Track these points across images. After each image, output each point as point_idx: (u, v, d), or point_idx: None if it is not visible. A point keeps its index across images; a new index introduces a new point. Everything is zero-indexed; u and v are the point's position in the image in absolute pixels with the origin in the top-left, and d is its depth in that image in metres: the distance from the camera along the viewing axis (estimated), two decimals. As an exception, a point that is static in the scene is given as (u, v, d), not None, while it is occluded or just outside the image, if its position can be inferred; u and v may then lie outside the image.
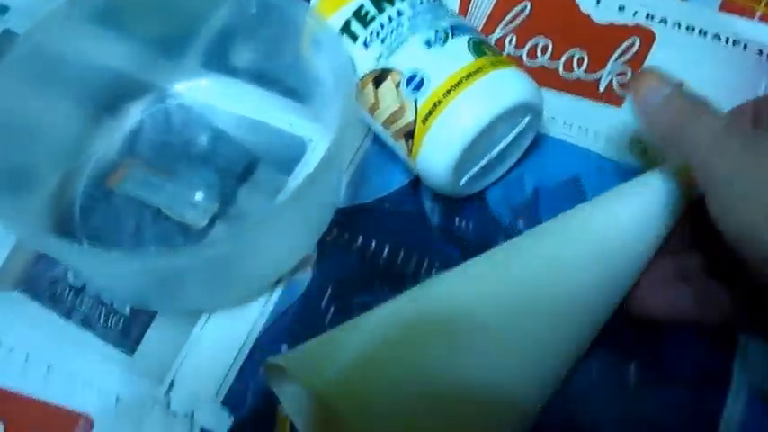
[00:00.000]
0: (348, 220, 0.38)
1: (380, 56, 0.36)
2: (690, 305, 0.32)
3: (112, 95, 0.40)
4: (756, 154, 0.27)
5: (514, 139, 0.37)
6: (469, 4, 0.46)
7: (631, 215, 0.31)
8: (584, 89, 0.42)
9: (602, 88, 0.42)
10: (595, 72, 0.43)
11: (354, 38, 0.37)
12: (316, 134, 0.40)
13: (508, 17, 0.45)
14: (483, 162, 0.37)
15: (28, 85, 0.35)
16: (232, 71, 0.42)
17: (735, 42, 0.43)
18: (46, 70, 0.36)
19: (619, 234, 0.31)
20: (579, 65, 0.43)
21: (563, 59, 0.43)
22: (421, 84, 0.35)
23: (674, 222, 0.32)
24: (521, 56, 0.43)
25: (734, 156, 0.27)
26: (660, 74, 0.31)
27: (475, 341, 0.28)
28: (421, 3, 0.37)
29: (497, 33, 0.44)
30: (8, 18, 0.46)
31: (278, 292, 0.36)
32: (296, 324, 0.36)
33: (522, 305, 0.29)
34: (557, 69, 0.43)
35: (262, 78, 0.41)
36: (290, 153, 0.40)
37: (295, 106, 0.41)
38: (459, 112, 0.34)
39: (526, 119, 0.37)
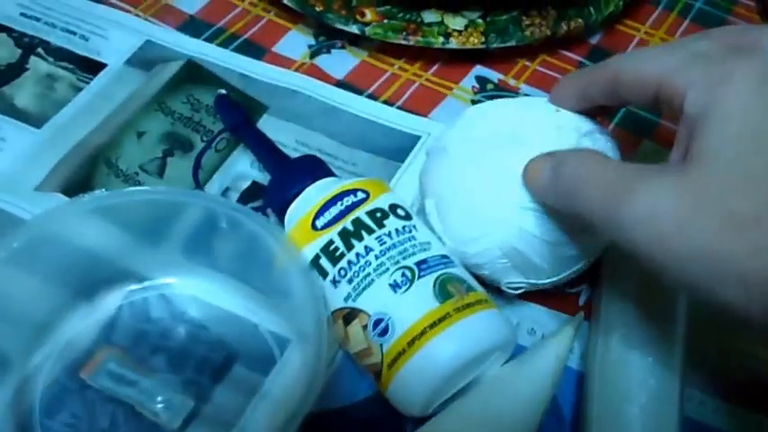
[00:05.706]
0: (319, 425, 0.39)
1: (348, 296, 0.37)
2: None
3: (92, 281, 0.41)
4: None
5: (485, 365, 0.38)
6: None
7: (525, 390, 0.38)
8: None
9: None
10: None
11: (324, 274, 0.38)
12: (293, 336, 0.41)
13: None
14: (452, 392, 0.37)
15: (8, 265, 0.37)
16: (212, 265, 0.42)
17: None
18: (30, 253, 0.37)
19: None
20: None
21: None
22: (386, 330, 0.36)
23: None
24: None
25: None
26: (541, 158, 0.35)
27: None
28: (389, 236, 0.38)
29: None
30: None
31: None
32: None
33: None
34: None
35: (240, 275, 0.42)
36: (267, 354, 0.41)
37: (272, 306, 0.41)
38: (421, 366, 0.35)
39: (496, 353, 0.37)
